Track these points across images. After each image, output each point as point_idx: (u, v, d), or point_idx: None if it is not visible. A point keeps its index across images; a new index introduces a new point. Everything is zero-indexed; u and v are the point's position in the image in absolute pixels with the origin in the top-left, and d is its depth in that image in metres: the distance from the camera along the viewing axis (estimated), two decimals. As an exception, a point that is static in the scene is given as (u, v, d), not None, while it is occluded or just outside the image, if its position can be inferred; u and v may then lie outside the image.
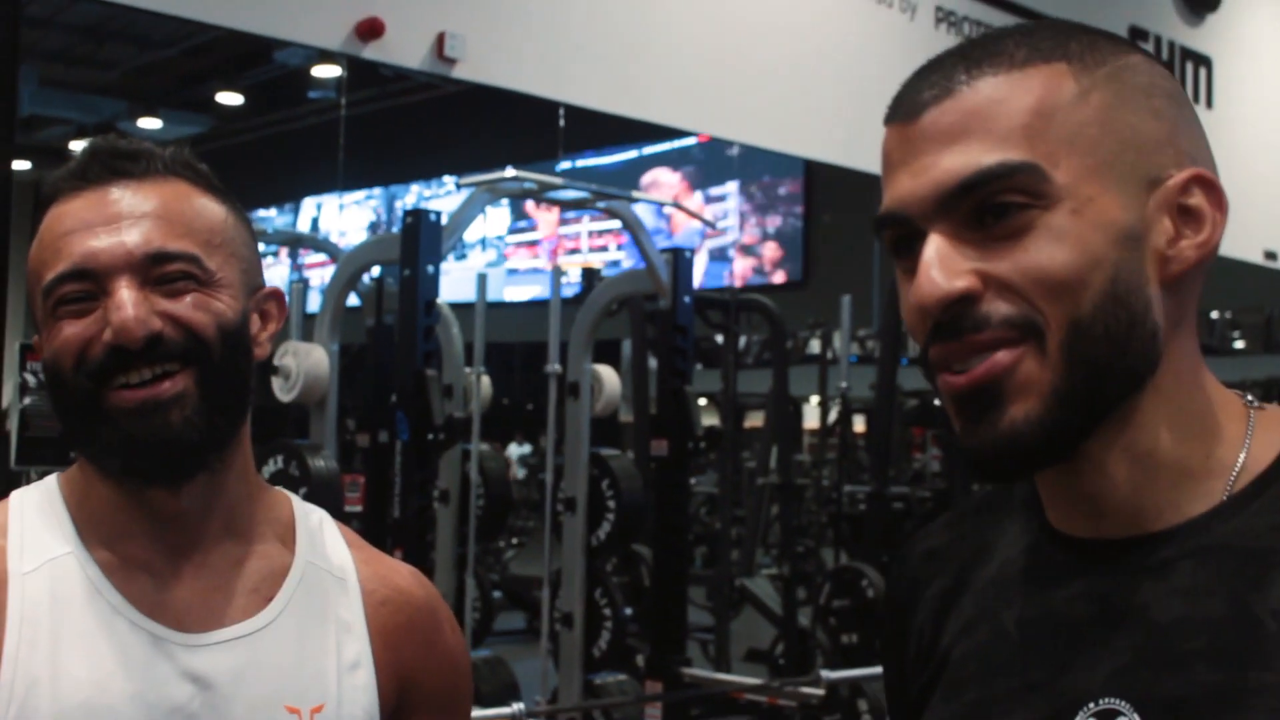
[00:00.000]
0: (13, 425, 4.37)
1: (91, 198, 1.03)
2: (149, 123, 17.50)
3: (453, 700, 1.17)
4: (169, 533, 1.06)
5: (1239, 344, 16.95)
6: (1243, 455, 0.84)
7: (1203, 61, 7.91)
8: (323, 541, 1.13)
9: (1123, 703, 0.80)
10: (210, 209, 1.07)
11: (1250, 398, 0.88)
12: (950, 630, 0.93)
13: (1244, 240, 7.68)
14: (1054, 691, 0.83)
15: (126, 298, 1.00)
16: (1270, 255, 8.14)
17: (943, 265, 0.81)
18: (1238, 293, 12.58)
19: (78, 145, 1.12)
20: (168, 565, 1.06)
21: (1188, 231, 0.83)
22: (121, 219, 1.02)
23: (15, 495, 1.09)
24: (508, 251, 21.45)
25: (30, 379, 4.00)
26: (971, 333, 0.81)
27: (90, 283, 1.01)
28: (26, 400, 4.44)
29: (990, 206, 0.81)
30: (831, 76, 6.58)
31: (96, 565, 1.04)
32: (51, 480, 1.10)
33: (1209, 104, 7.74)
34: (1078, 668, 0.83)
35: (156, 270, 1.01)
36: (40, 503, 1.08)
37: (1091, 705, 0.81)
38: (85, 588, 1.03)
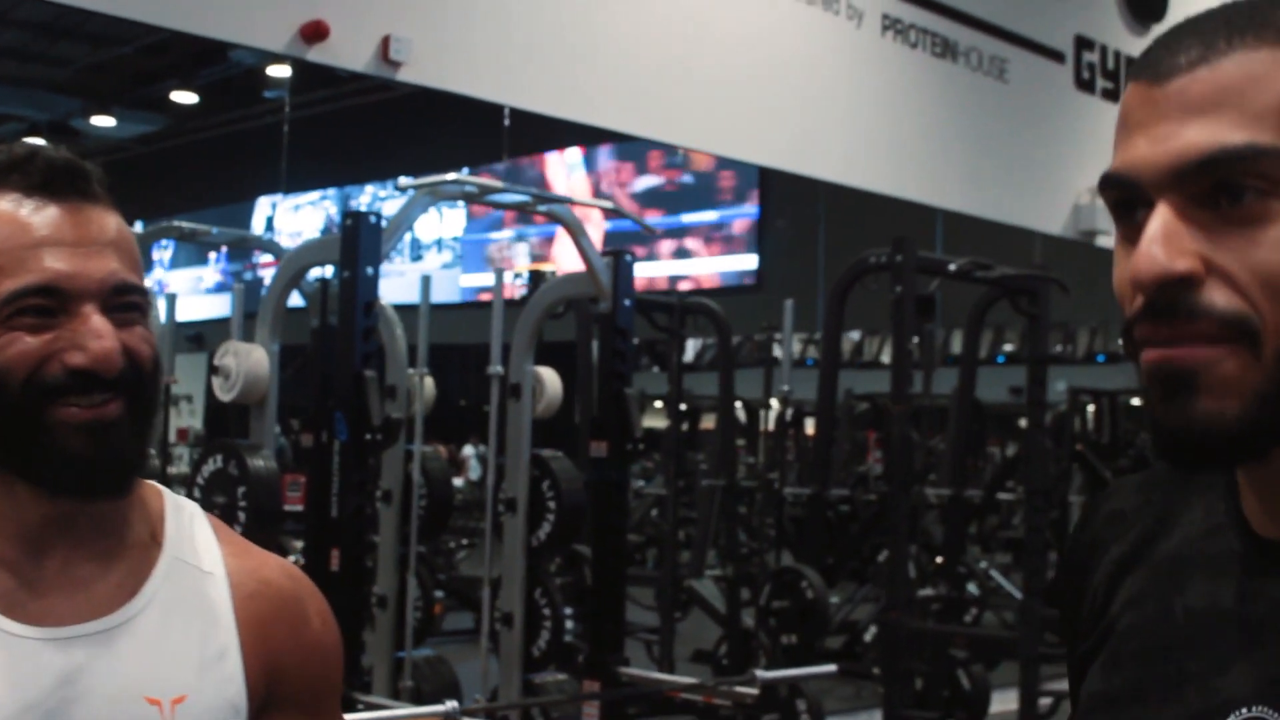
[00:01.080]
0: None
1: (52, 213, 1.04)
2: (103, 120, 17.41)
3: (321, 692, 1.19)
4: (36, 532, 1.07)
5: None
6: None
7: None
8: (192, 535, 1.15)
9: (1274, 713, 0.77)
10: (130, 234, 1.10)
11: None
12: (1120, 599, 0.91)
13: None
14: (1208, 689, 0.81)
15: (104, 326, 1.02)
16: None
17: (1167, 241, 0.76)
18: None
19: (33, 143, 1.15)
20: (30, 563, 1.07)
21: None
22: (90, 243, 1.04)
23: None
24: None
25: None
26: (1185, 321, 0.76)
27: (54, 300, 1.02)
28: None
29: (1227, 187, 0.75)
30: (779, 83, 6.64)
31: None
32: None
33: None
34: (1237, 670, 0.80)
35: (116, 299, 1.04)
36: None
37: (1244, 710, 0.78)
38: None
